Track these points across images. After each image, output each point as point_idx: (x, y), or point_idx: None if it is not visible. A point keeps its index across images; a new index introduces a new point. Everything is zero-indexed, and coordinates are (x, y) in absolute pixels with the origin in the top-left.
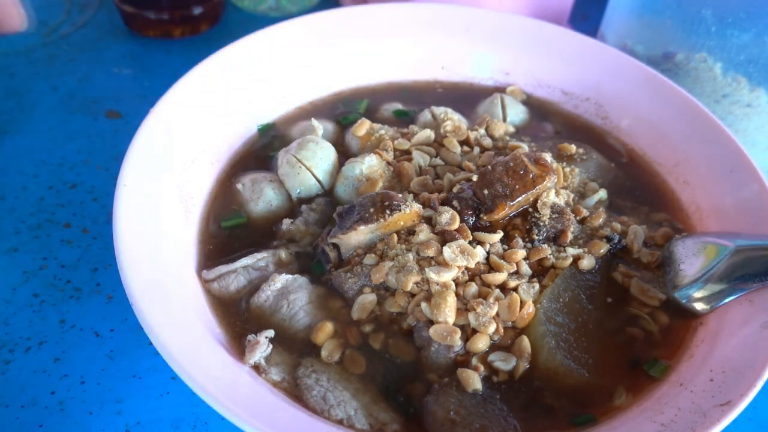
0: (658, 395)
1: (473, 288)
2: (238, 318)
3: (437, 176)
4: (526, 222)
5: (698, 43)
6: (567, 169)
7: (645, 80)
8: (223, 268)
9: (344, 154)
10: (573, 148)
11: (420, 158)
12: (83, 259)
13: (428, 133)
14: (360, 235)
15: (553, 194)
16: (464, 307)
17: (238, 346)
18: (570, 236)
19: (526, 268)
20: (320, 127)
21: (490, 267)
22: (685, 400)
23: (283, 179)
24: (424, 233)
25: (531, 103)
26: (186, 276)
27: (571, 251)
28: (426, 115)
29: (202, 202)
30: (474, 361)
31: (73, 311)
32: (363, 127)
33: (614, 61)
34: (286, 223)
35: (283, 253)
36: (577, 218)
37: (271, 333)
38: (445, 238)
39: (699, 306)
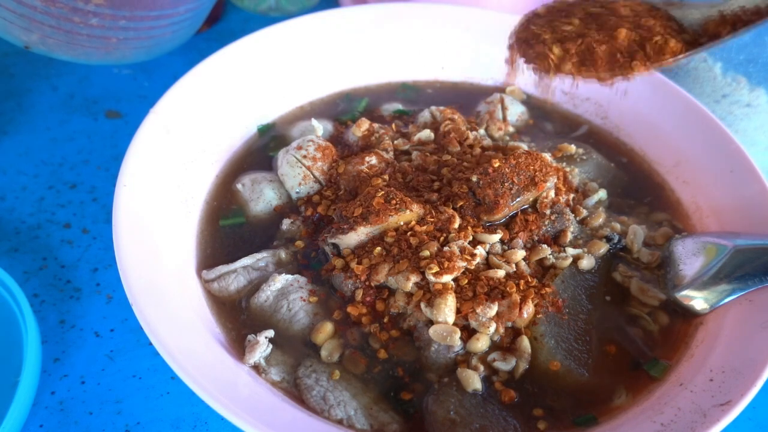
0: (658, 395)
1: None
2: (238, 318)
3: (437, 176)
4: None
5: None
6: (567, 169)
7: (645, 80)
8: (223, 268)
9: (344, 153)
10: (573, 148)
11: (420, 158)
12: (83, 259)
13: (428, 133)
14: (360, 235)
15: (552, 194)
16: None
17: (238, 346)
18: (570, 236)
19: (525, 268)
20: (320, 127)
21: (490, 267)
22: (685, 400)
23: (283, 179)
24: (423, 233)
25: (531, 103)
26: (186, 276)
27: (571, 251)
28: (426, 115)
29: (202, 202)
30: (474, 361)
31: (73, 311)
32: (363, 126)
33: None
34: (286, 223)
35: (283, 253)
36: (577, 218)
37: (270, 333)
38: (445, 238)
39: (699, 306)
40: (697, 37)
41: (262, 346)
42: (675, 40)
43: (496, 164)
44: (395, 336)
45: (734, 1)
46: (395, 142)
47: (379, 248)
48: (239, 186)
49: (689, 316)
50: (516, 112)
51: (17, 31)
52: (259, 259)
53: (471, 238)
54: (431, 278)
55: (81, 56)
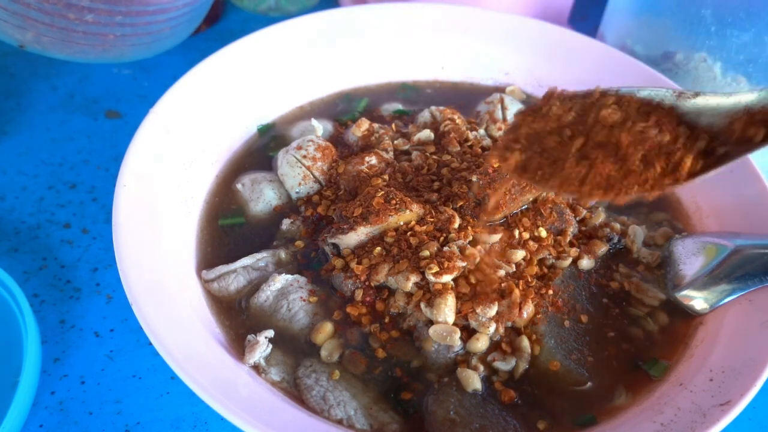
0: (658, 395)
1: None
2: (238, 318)
3: (437, 176)
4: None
5: (698, 43)
6: None
7: (645, 80)
8: (223, 268)
9: (344, 153)
10: None
11: (420, 158)
12: (83, 259)
13: (428, 133)
14: (360, 235)
15: (552, 194)
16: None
17: (238, 346)
18: (570, 236)
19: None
20: (320, 126)
21: (490, 267)
22: (684, 400)
23: (283, 179)
24: (423, 233)
25: (531, 103)
26: (186, 276)
27: (571, 251)
28: (426, 115)
29: (202, 202)
30: (474, 361)
31: (73, 311)
32: (363, 126)
33: (614, 61)
34: (286, 223)
35: (283, 253)
36: (577, 218)
37: (270, 333)
38: (445, 238)
39: (699, 306)
40: (719, 143)
41: (262, 346)
42: (691, 156)
43: (496, 164)
44: (395, 336)
45: (763, 92)
46: (395, 142)
47: (379, 248)
48: (239, 186)
49: (689, 316)
50: (516, 112)
51: (11, 29)
52: (259, 259)
53: (471, 238)
54: (431, 278)
55: (77, 54)
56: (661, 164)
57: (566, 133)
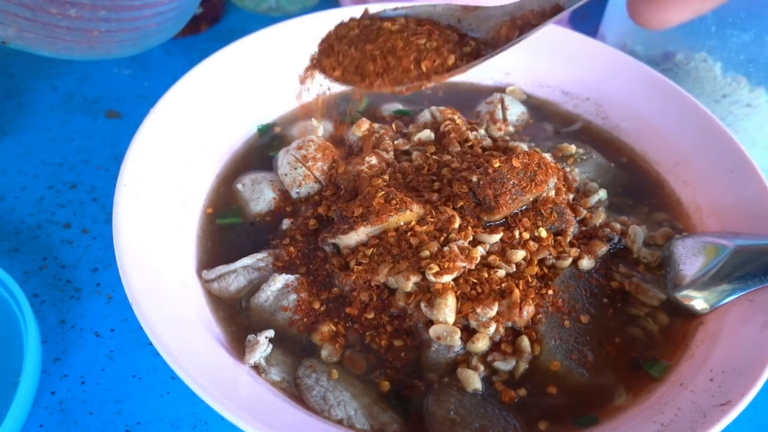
0: (659, 395)
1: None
2: (238, 318)
3: (437, 176)
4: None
5: (698, 43)
6: (567, 169)
7: (645, 80)
8: (223, 268)
9: (344, 153)
10: (573, 148)
11: (420, 158)
12: (83, 259)
13: (428, 133)
14: (360, 235)
15: (553, 194)
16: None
17: (238, 346)
18: (570, 236)
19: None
20: (320, 126)
21: (490, 267)
22: (685, 400)
23: (283, 179)
24: (423, 233)
25: (531, 103)
26: (186, 276)
27: (571, 251)
28: (426, 115)
29: (201, 202)
30: (474, 361)
31: (73, 311)
32: (363, 125)
33: (614, 61)
34: (286, 223)
35: (283, 253)
36: (577, 218)
37: (271, 333)
38: (445, 238)
39: (699, 306)
40: (485, 45)
41: (262, 346)
42: (454, 56)
43: (496, 164)
44: (395, 336)
45: (524, 5)
46: (395, 142)
47: (379, 248)
48: (239, 186)
49: (689, 316)
50: (516, 112)
51: None
52: (259, 259)
53: (471, 238)
54: (431, 278)
55: (62, 51)
56: (427, 64)
57: (361, 44)
